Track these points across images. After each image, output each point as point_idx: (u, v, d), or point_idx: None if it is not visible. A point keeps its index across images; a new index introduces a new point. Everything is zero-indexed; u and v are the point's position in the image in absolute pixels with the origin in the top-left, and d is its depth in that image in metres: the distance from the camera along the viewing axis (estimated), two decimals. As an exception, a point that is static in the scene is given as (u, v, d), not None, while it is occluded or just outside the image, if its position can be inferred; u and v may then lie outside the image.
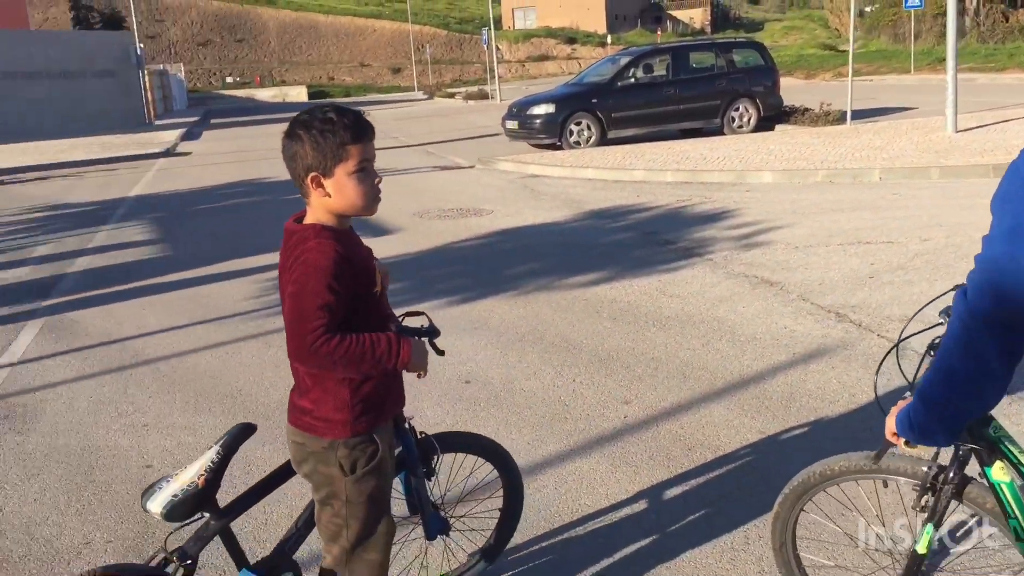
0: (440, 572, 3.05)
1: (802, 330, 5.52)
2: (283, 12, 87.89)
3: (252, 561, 2.50)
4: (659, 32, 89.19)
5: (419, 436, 2.67)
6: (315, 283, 2.05)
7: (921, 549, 2.23)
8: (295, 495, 3.47)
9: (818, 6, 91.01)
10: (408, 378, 2.36)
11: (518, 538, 3.34)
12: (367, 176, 2.17)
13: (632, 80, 17.11)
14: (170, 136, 25.77)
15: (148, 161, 19.92)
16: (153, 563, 2.31)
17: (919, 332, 2.19)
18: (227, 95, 68.89)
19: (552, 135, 16.52)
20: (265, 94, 67.56)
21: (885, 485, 2.37)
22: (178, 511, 2.25)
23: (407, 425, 2.61)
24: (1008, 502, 2.00)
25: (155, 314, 6.76)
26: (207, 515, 2.36)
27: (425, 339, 2.44)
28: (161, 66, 55.47)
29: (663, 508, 3.54)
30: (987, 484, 2.07)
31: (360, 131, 2.16)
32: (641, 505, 3.57)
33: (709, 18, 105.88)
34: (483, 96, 41.21)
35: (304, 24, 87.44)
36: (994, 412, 1.95)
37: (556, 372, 5.08)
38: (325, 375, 2.20)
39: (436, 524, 2.77)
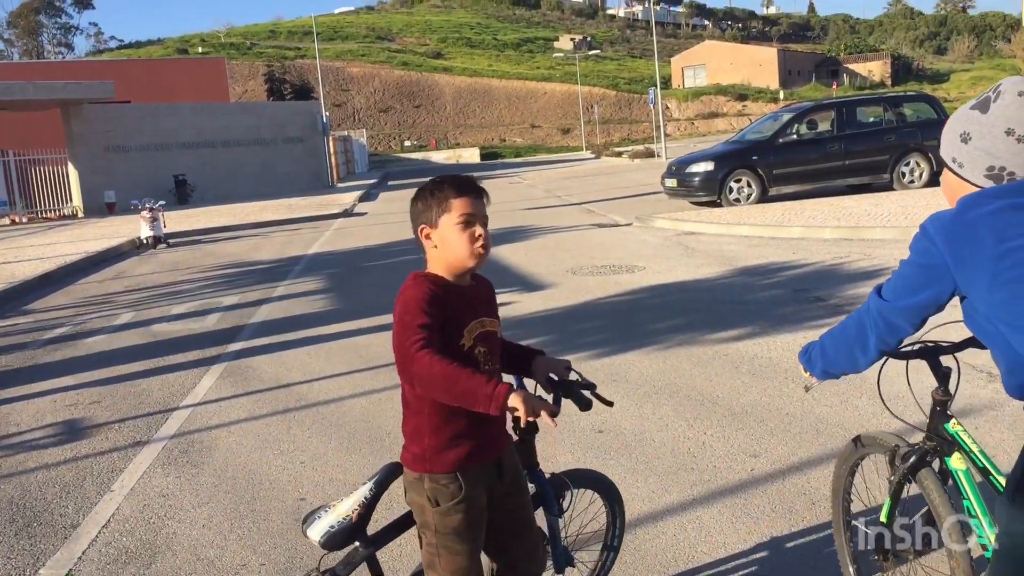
0: None
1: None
2: (459, 78, 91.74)
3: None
4: (835, 86, 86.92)
5: (549, 476, 2.84)
6: (413, 307, 2.28)
7: (882, 518, 2.79)
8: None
9: (1010, 55, 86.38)
10: (542, 427, 2.48)
11: (632, 580, 3.48)
12: (468, 227, 2.39)
13: (794, 136, 16.89)
14: (349, 198, 27.40)
15: (328, 221, 21.31)
16: None
17: (908, 346, 2.57)
18: (405, 158, 72.51)
19: (711, 192, 16.52)
20: (439, 156, 70.65)
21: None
22: (334, 541, 2.48)
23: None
24: (963, 485, 2.43)
25: (319, 362, 7.31)
26: (358, 544, 2.57)
27: (585, 391, 2.62)
28: (345, 132, 59.20)
29: (778, 558, 3.58)
30: (939, 473, 2.57)
31: (464, 187, 2.43)
32: (757, 555, 3.62)
33: (889, 71, 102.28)
34: (649, 155, 41.54)
35: (478, 89, 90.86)
36: (959, 416, 2.53)
37: (688, 424, 5.17)
38: (419, 413, 2.41)
39: (565, 559, 2.92)
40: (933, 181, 16.45)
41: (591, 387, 2.66)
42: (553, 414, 2.17)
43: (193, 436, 5.67)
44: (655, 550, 3.71)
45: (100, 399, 6.64)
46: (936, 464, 2.59)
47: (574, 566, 3.04)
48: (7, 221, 27.08)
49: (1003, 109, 2.03)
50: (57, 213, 28.91)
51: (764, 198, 16.45)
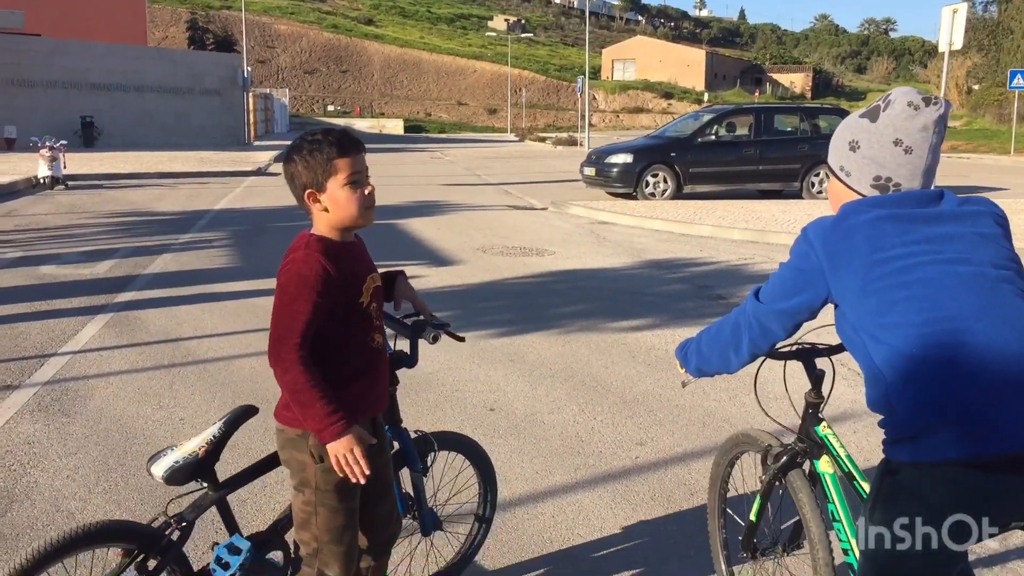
0: (428, 571, 3.18)
1: (835, 393, 5.48)
2: (389, 47, 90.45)
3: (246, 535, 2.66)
4: (757, 93, 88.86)
5: (414, 434, 2.84)
6: (299, 292, 2.22)
7: (752, 516, 2.80)
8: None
9: (925, 80, 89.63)
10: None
11: (507, 559, 3.46)
12: (358, 187, 2.31)
13: (713, 137, 17.17)
14: (265, 156, 26.74)
15: (240, 178, 20.76)
16: (154, 524, 2.48)
17: (785, 347, 2.56)
18: (327, 122, 71.04)
19: (628, 184, 16.65)
20: (363, 124, 69.53)
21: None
22: (177, 476, 2.44)
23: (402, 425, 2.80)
24: (829, 489, 2.45)
25: (212, 318, 7.09)
26: (205, 485, 2.53)
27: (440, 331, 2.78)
28: (267, 90, 57.71)
29: (653, 545, 3.60)
30: (808, 475, 2.57)
31: (346, 146, 2.30)
32: (633, 541, 3.64)
33: (810, 83, 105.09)
34: (572, 143, 41.72)
35: (408, 60, 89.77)
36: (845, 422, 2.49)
37: (580, 409, 5.18)
38: None
39: (431, 520, 2.93)
40: (841, 193, 16.90)
41: (444, 326, 2.79)
42: (362, 473, 2.25)
43: (68, 384, 5.42)
44: (532, 530, 3.69)
45: (-28, 339, 6.31)
46: (806, 466, 2.60)
47: (443, 530, 3.03)
48: None
49: (892, 119, 2.03)
50: (-49, 144, 27.48)
51: (679, 195, 16.66)
